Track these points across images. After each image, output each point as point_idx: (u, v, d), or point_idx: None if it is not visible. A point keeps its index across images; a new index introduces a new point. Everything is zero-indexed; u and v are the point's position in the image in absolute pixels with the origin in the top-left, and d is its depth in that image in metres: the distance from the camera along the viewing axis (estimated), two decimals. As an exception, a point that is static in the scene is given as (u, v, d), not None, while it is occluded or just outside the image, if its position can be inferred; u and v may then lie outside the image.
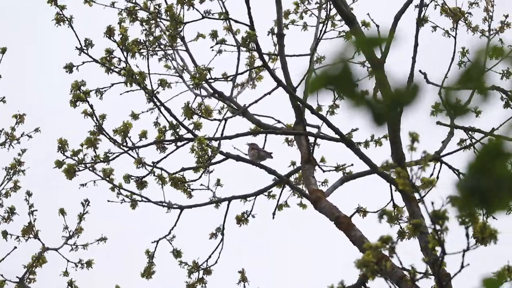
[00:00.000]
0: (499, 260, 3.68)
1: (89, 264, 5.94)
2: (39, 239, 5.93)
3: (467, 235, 3.03)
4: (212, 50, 5.78)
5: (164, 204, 5.36)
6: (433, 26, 6.29)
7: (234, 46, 5.55)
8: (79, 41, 5.28)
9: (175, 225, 5.51)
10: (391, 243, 3.15)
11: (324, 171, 5.89)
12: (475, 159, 1.47)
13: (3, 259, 5.85)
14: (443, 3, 6.21)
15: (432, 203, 2.96)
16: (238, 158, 5.20)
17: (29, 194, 6.07)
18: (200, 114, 5.47)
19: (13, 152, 6.47)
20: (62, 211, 5.90)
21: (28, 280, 5.76)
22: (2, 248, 5.89)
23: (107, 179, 5.22)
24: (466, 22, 6.35)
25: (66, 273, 5.72)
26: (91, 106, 5.13)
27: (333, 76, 1.30)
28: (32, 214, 5.99)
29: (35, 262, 5.76)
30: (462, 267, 3.11)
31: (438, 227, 3.03)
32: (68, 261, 5.91)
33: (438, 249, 3.09)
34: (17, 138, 6.55)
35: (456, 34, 6.25)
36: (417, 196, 4.43)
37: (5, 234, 5.97)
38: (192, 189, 5.31)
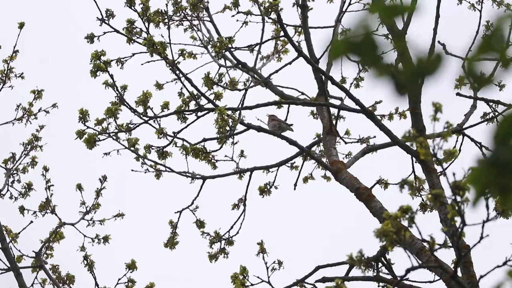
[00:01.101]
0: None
1: (106, 239, 5.91)
2: (56, 215, 5.91)
3: (487, 206, 3.02)
4: (237, 20, 5.78)
5: (187, 174, 5.37)
6: (459, -1, 6.26)
7: (259, 15, 5.54)
8: (100, 11, 5.30)
9: (197, 195, 5.54)
10: (411, 213, 3.15)
11: (346, 143, 5.89)
12: (497, 129, 1.42)
13: (19, 233, 5.86)
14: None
15: (454, 173, 2.95)
16: (259, 129, 5.19)
17: (46, 169, 6.03)
18: (221, 84, 5.47)
19: (31, 128, 6.44)
20: (79, 187, 5.87)
21: (45, 255, 5.76)
22: (19, 223, 5.90)
23: (132, 149, 5.22)
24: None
25: (83, 248, 5.71)
26: (112, 76, 5.13)
27: (355, 43, 1.29)
28: (49, 189, 5.97)
29: (51, 236, 5.77)
30: (481, 238, 3.10)
31: (458, 198, 3.02)
32: (85, 236, 5.89)
33: (458, 220, 3.09)
34: (35, 114, 6.46)
35: (481, 7, 6.21)
36: (438, 168, 4.43)
37: (22, 209, 5.97)
38: (216, 160, 5.31)
